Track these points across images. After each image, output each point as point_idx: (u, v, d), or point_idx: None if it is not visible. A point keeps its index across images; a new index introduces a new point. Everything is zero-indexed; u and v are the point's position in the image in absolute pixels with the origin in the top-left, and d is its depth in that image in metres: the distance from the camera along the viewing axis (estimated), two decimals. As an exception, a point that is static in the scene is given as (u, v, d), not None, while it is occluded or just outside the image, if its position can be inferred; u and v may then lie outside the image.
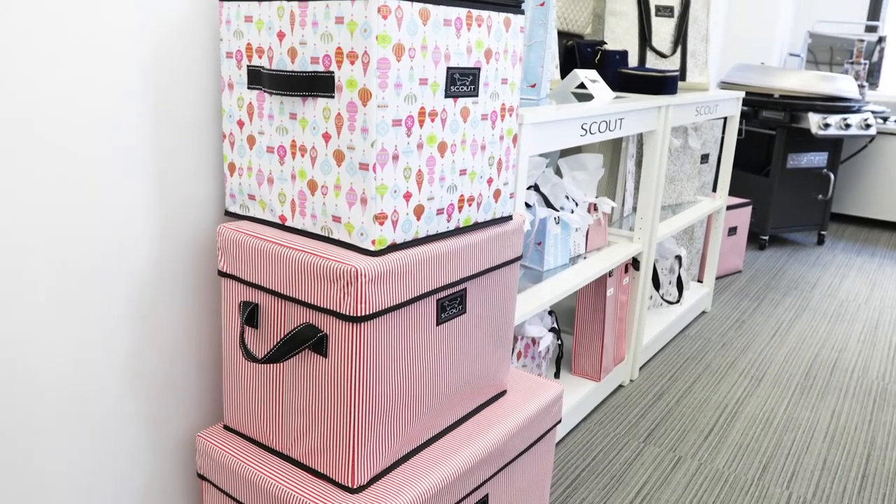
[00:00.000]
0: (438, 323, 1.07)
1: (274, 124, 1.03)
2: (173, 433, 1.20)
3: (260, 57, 1.02)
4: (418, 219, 1.01)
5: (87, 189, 0.99)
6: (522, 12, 1.08)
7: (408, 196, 0.98)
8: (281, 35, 0.98)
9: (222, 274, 1.08)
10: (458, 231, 1.08)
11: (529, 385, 1.33)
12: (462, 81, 1.01)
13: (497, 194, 1.13)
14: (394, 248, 0.98)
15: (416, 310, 1.03)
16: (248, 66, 1.04)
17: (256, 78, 1.03)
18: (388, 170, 0.94)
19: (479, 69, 1.03)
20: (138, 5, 1.00)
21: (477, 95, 1.04)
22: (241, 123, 1.07)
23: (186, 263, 1.15)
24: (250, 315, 1.05)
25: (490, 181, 1.11)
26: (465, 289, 1.11)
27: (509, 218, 1.18)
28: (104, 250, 1.03)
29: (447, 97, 1.00)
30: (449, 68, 0.99)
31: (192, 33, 1.08)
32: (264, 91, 1.01)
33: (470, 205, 1.09)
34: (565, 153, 2.40)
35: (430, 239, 1.03)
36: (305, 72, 0.96)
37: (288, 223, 1.05)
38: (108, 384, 1.08)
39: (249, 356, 1.00)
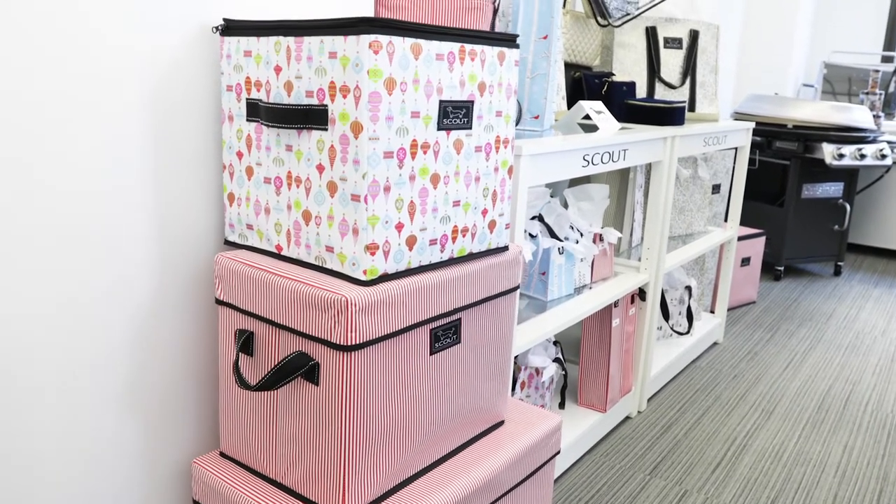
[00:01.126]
0: (432, 353, 1.08)
1: (271, 156, 1.05)
2: (170, 459, 1.21)
3: (258, 90, 1.04)
4: (410, 249, 1.02)
5: (90, 217, 1.02)
6: (517, 46, 1.10)
7: (400, 227, 0.99)
8: (278, 69, 1.01)
9: (219, 302, 1.10)
10: (452, 261, 1.09)
11: (528, 415, 1.32)
12: (455, 114, 1.03)
13: (492, 225, 1.14)
14: (386, 277, 0.99)
15: (409, 339, 1.03)
16: (247, 98, 1.06)
17: (254, 110, 1.05)
18: (380, 201, 0.96)
19: (472, 102, 1.05)
20: (141, 39, 1.03)
21: (470, 128, 1.06)
22: (240, 154, 1.09)
23: (186, 291, 1.17)
24: (245, 343, 1.07)
25: (485, 212, 1.12)
26: (460, 319, 1.12)
27: (505, 248, 1.18)
28: (106, 277, 1.05)
29: (440, 129, 1.01)
30: (441, 101, 1.00)
31: (194, 67, 1.11)
32: (262, 123, 1.04)
33: (464, 235, 1.10)
34: (574, 183, 2.41)
35: (423, 269, 1.04)
36: (300, 105, 0.98)
37: (284, 253, 1.07)
38: (106, 409, 1.09)
39: (243, 383, 1.01)
